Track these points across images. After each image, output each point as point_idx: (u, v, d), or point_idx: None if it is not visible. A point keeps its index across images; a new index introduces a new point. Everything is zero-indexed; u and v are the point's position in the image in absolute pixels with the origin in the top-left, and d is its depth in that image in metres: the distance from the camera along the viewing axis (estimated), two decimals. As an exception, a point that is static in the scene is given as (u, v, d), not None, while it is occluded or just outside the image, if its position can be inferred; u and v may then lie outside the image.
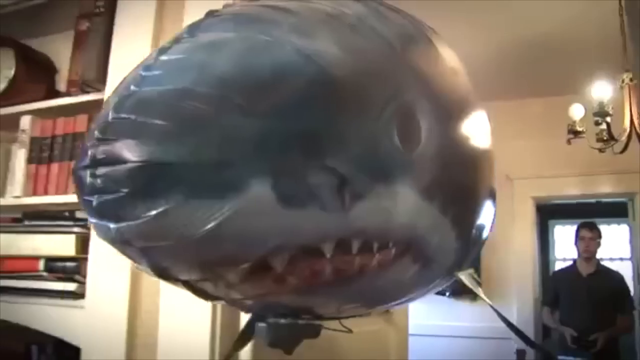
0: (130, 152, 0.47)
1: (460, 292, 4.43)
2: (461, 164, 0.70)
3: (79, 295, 1.47)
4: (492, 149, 0.86)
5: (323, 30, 0.59)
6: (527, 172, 4.27)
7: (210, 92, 0.49)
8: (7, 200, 1.66)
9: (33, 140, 1.65)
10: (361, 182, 0.54)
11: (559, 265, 5.22)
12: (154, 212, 0.47)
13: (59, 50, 1.87)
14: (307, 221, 0.52)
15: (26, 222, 1.59)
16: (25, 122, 1.69)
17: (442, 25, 2.53)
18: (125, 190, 0.46)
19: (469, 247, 0.80)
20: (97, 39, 1.61)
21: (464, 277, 0.82)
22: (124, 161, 0.47)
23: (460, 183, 0.70)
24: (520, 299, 4.30)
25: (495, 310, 0.80)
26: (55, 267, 1.52)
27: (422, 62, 0.67)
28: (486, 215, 0.81)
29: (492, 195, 0.85)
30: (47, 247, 1.52)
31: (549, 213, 5.24)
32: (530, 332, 4.20)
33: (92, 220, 0.50)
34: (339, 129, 0.53)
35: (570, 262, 4.15)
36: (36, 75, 1.84)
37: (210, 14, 0.61)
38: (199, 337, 1.25)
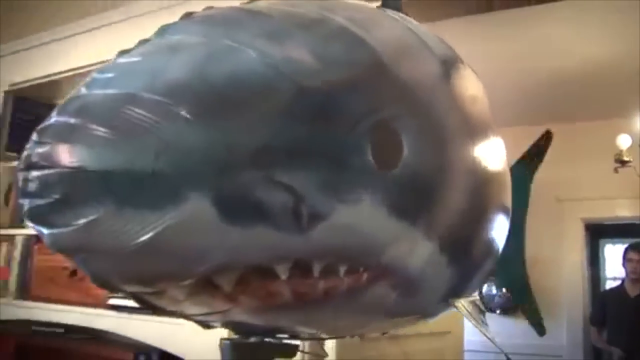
0: (63, 156, 0.45)
1: (509, 309, 4.57)
2: (455, 189, 0.65)
3: (183, 312, 1.72)
4: (503, 172, 0.82)
5: (299, 37, 0.55)
6: (576, 193, 4.36)
7: (155, 99, 0.46)
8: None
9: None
10: (323, 201, 0.50)
11: (610, 284, 5.25)
12: (83, 221, 0.44)
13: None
14: (256, 240, 0.48)
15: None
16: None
17: (500, 52, 2.75)
18: (56, 196, 0.44)
19: (469, 273, 0.76)
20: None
21: (463, 305, 0.77)
22: (56, 166, 0.45)
23: (452, 208, 0.64)
24: (570, 318, 4.40)
25: (492, 340, 0.80)
26: (161, 286, 1.78)
27: (419, 81, 0.63)
28: (491, 239, 0.77)
29: (502, 215, 0.80)
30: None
31: (599, 232, 5.28)
32: (579, 351, 4.30)
33: (28, 224, 0.48)
34: (297, 143, 0.49)
35: (619, 282, 4.24)
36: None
37: (187, 15, 0.58)
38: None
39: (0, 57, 2.64)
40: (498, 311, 4.58)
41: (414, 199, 0.58)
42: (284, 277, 0.52)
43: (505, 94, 3.87)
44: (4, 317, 2.31)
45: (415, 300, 0.68)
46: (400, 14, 0.80)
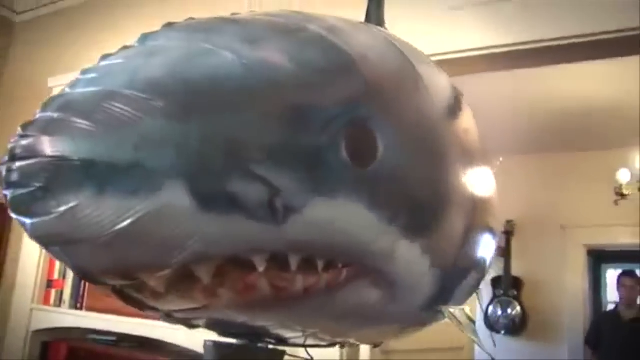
0: (45, 147, 0.46)
1: (514, 330, 4.76)
2: (436, 191, 0.67)
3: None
4: (490, 197, 0.84)
5: (275, 41, 0.58)
6: (579, 221, 4.56)
7: (135, 94, 0.48)
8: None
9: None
10: (297, 195, 0.51)
11: (611, 308, 5.44)
12: (63, 208, 0.45)
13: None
14: (232, 230, 0.49)
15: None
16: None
17: (518, 92, 3.00)
18: (37, 184, 0.46)
19: (453, 281, 0.77)
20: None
21: (453, 312, 0.78)
22: (39, 156, 0.46)
23: (433, 210, 0.66)
24: (571, 340, 4.58)
25: (482, 347, 0.82)
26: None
27: (393, 84, 0.65)
28: (475, 251, 0.79)
29: (487, 233, 0.82)
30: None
31: (601, 258, 5.43)
32: (580, 372, 4.47)
33: (12, 215, 0.49)
34: (271, 139, 0.51)
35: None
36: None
37: (168, 25, 0.60)
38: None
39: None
40: (503, 332, 4.76)
41: (390, 197, 0.59)
42: (261, 269, 0.53)
43: (520, 128, 4.13)
44: (59, 325, 2.55)
45: (398, 303, 0.68)
46: (381, 29, 0.82)
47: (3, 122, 2.77)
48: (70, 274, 2.58)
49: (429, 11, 2.02)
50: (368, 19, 0.99)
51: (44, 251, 2.24)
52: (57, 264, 2.63)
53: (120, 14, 2.87)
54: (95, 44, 3.00)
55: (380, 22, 0.99)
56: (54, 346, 2.53)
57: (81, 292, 2.54)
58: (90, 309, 2.47)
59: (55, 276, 2.64)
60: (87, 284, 2.47)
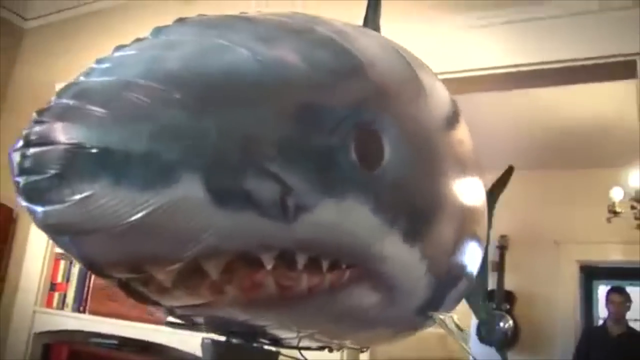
0: (61, 134, 0.45)
1: (506, 344, 4.79)
2: (435, 199, 0.68)
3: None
4: (481, 206, 0.86)
5: (288, 41, 0.58)
6: (573, 237, 4.62)
7: (152, 85, 0.48)
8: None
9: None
10: (308, 194, 0.52)
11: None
12: (78, 197, 0.45)
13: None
14: (244, 226, 0.49)
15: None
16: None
17: (513, 107, 3.05)
18: (53, 171, 0.45)
19: (445, 287, 0.78)
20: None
21: (443, 318, 0.79)
22: (54, 143, 0.45)
23: (431, 217, 0.68)
24: (562, 354, 4.59)
25: (471, 354, 0.90)
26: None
27: (399, 90, 0.67)
28: (466, 259, 0.80)
29: (475, 242, 0.84)
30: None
31: (593, 274, 5.48)
32: (571, 385, 4.52)
33: (22, 203, 0.47)
34: (283, 136, 0.51)
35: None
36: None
37: (180, 20, 0.61)
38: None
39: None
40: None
41: (392, 201, 0.60)
42: (269, 266, 0.53)
43: (518, 145, 4.18)
44: (61, 327, 2.59)
45: (395, 307, 0.70)
46: (380, 34, 0.86)
47: (10, 127, 2.81)
48: (74, 278, 2.63)
49: (446, 29, 2.06)
50: (366, 22, 1.02)
51: (48, 254, 2.34)
52: (61, 267, 2.68)
53: (130, 21, 2.91)
54: (104, 51, 3.03)
55: (376, 27, 1.02)
56: (56, 348, 2.58)
57: (84, 296, 2.58)
58: (93, 312, 2.51)
59: (59, 279, 2.68)
60: (91, 288, 2.55)
